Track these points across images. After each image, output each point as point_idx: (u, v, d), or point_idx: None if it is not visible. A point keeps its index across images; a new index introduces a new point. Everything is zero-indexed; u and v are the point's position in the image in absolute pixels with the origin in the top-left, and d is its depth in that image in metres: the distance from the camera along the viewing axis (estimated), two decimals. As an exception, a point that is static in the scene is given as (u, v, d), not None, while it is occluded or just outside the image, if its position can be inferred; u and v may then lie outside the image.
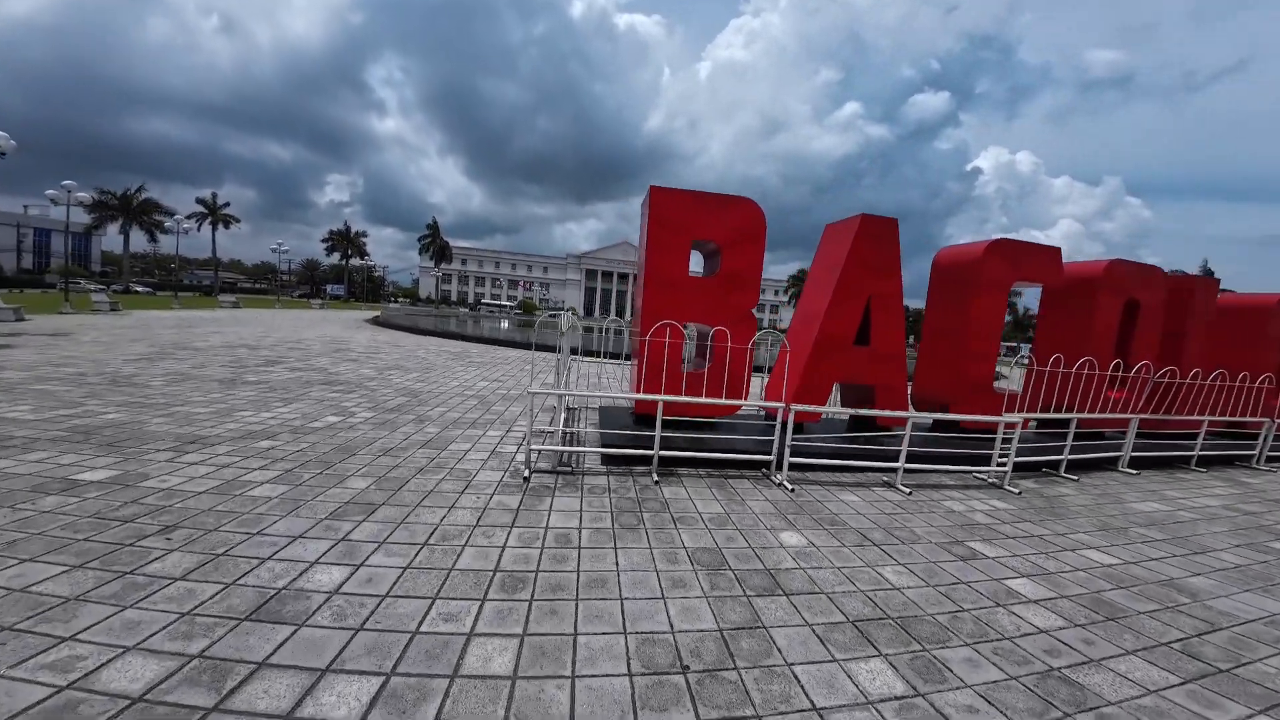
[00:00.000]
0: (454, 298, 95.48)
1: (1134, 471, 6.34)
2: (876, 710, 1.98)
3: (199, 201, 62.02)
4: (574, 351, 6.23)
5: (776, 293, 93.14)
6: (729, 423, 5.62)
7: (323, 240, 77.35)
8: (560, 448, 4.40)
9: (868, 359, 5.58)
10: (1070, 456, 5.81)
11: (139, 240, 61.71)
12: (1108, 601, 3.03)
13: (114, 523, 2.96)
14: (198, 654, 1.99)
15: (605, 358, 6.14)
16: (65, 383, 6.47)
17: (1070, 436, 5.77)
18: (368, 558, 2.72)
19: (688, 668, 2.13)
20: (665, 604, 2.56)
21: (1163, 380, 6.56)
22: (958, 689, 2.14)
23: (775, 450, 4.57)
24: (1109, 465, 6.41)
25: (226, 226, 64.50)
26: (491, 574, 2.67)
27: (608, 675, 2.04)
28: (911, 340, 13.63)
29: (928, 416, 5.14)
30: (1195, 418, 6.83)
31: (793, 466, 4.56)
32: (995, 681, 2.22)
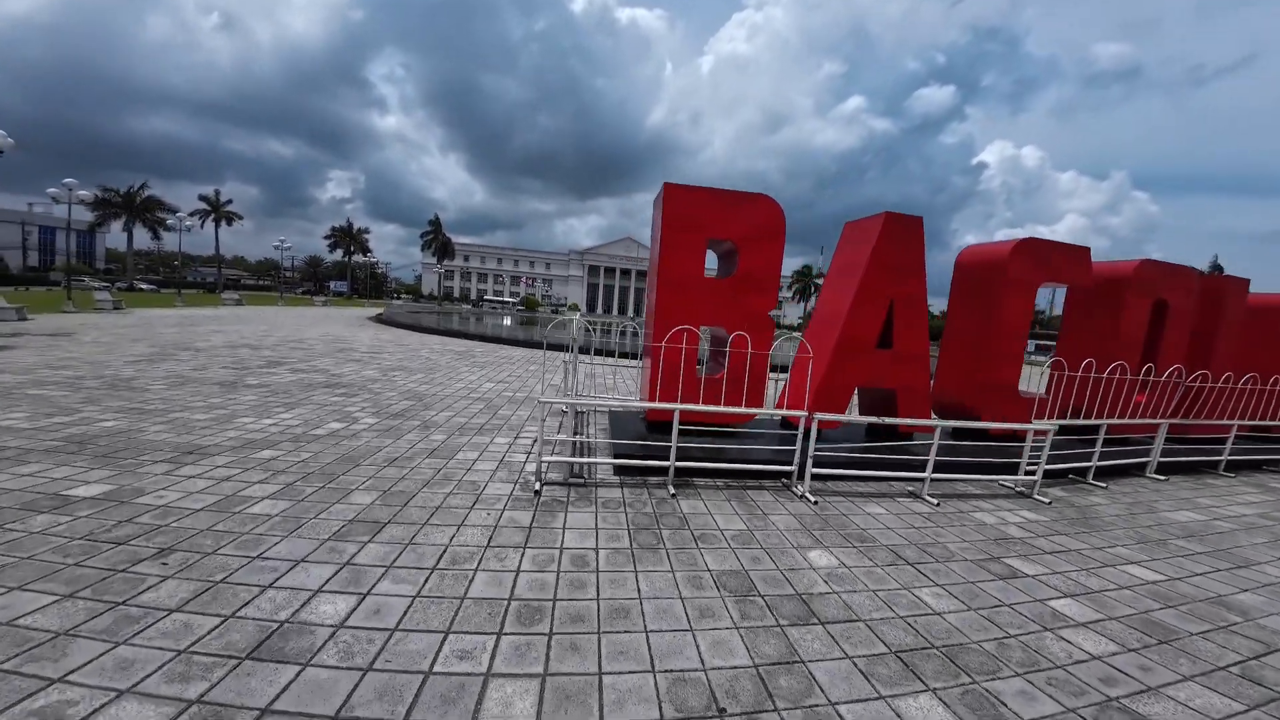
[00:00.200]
0: (456, 294, 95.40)
1: (1162, 477, 6.14)
2: (936, 765, 1.80)
3: (202, 199, 61.97)
4: (584, 351, 6.05)
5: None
6: (744, 430, 5.42)
7: (325, 237, 77.31)
8: (572, 459, 4.21)
9: (890, 362, 5.37)
10: (1099, 463, 5.62)
11: (143, 238, 61.72)
12: (1158, 622, 2.90)
13: (107, 545, 2.79)
14: (196, 699, 1.83)
15: (615, 358, 5.93)
16: (63, 387, 6.32)
17: (1100, 443, 5.58)
18: (374, 585, 2.55)
19: (724, 710, 1.96)
20: (694, 637, 2.39)
21: (1194, 384, 6.33)
22: (1017, 729, 1.98)
23: (797, 460, 4.38)
24: (1136, 471, 6.21)
25: (229, 223, 64.45)
26: (506, 603, 2.50)
27: (639, 724, 1.86)
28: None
29: (959, 424, 4.93)
30: (1226, 422, 6.61)
31: (814, 476, 4.38)
32: (1053, 716, 2.09)
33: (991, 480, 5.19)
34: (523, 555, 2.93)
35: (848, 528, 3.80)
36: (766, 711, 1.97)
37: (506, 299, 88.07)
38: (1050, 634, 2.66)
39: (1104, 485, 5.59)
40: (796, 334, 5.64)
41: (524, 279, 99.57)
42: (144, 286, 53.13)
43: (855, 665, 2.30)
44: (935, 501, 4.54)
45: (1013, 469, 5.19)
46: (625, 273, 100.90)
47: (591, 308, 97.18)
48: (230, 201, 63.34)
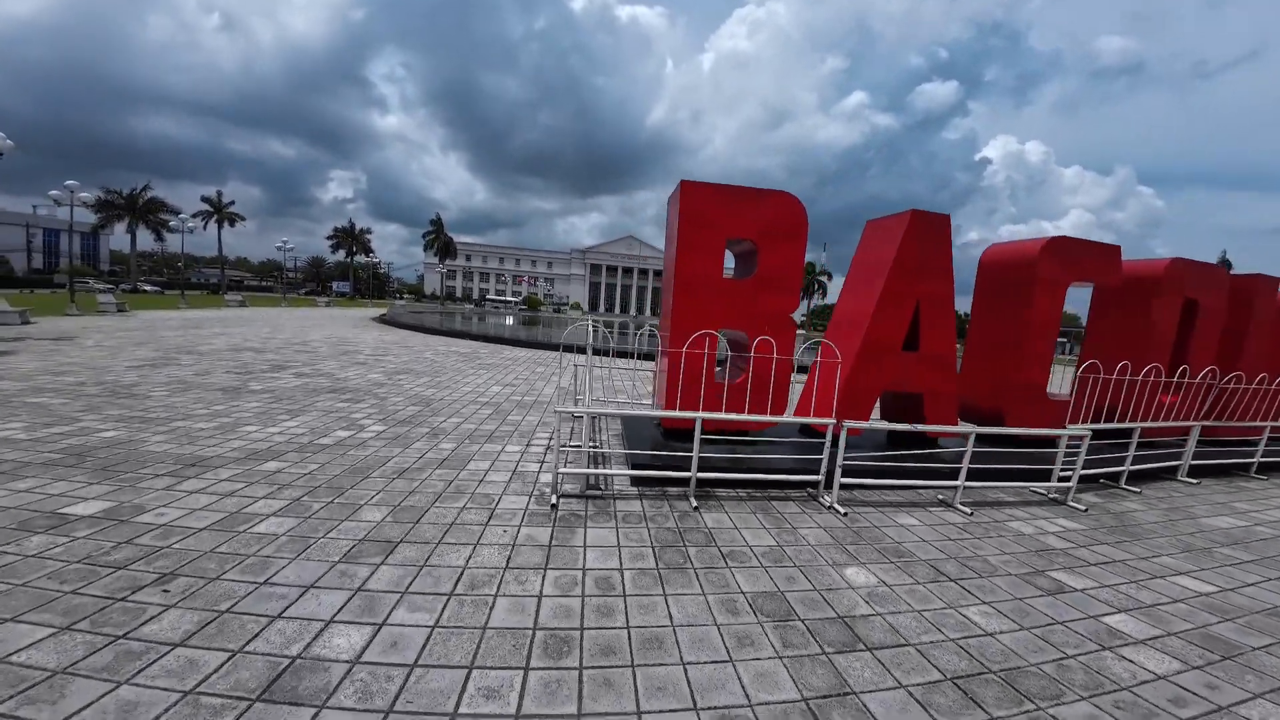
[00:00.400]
0: (458, 294, 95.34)
1: (1194, 481, 5.95)
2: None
3: (204, 200, 62.01)
4: (600, 353, 5.87)
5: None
6: (762, 437, 5.24)
7: (328, 237, 77.30)
8: (588, 470, 4.04)
9: (917, 365, 5.18)
10: (1132, 467, 5.43)
11: (146, 239, 61.81)
12: (1217, 637, 2.79)
13: (106, 570, 2.63)
14: (200, 749, 1.66)
15: (618, 359, 5.74)
16: (63, 394, 6.18)
17: (1133, 446, 5.39)
18: (390, 614, 2.38)
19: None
20: (735, 669, 2.21)
21: (1228, 385, 6.12)
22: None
23: (824, 469, 4.20)
24: (1166, 475, 6.02)
25: (232, 224, 64.49)
26: (531, 633, 2.33)
27: (686, 780, 1.69)
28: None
29: (995, 430, 4.73)
30: (1260, 424, 6.41)
31: (842, 486, 4.20)
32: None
33: (1021, 487, 5.01)
34: (544, 578, 2.76)
35: (882, 541, 3.63)
36: (821, 757, 1.80)
37: (509, 298, 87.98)
38: (1110, 653, 2.56)
39: (1138, 490, 5.40)
40: (816, 335, 5.46)
41: (526, 278, 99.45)
42: (147, 288, 53.20)
43: (911, 695, 2.15)
44: (969, 511, 4.35)
45: (1043, 475, 5.01)
46: (627, 271, 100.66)
47: (594, 306, 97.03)
48: (233, 202, 63.37)
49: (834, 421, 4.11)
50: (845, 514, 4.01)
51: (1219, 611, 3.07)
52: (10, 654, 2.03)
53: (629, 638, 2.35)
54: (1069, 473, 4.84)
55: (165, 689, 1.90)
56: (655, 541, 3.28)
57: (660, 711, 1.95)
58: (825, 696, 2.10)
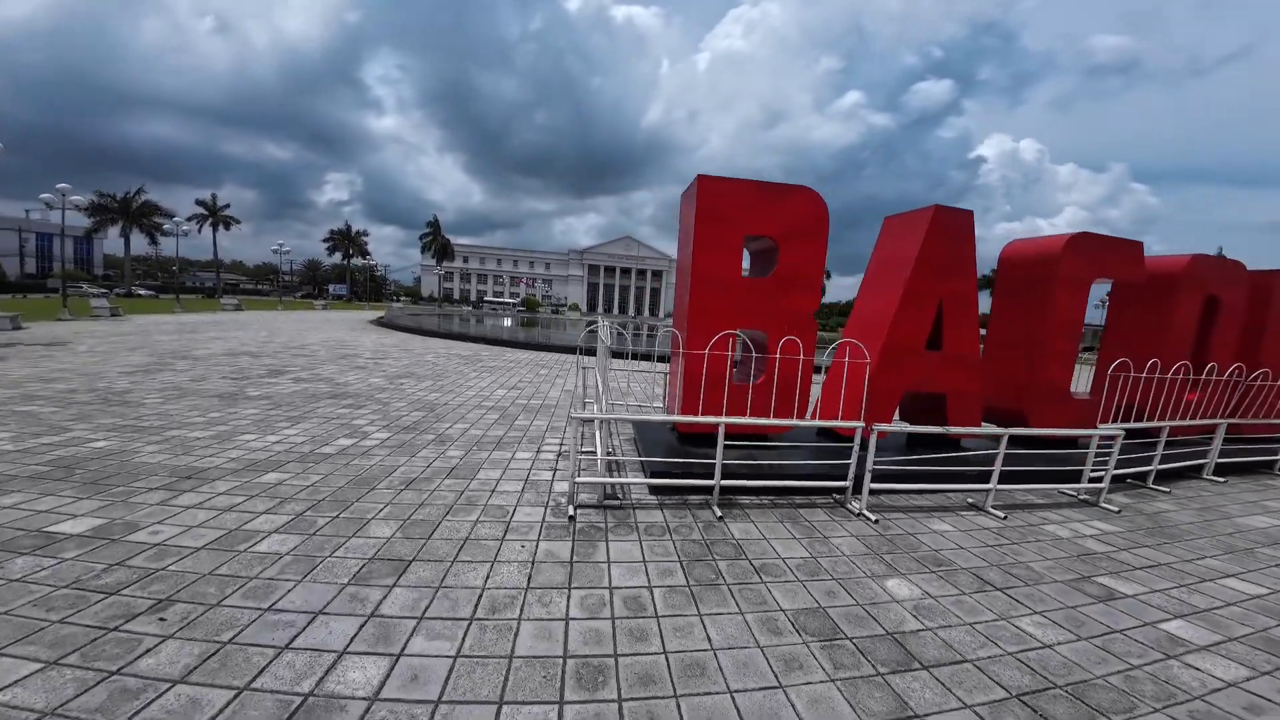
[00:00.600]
0: (456, 296, 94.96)
1: (1221, 479, 5.82)
2: None
3: (199, 203, 61.53)
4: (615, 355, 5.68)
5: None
6: (780, 441, 5.07)
7: (324, 240, 76.85)
8: (605, 479, 3.85)
9: (940, 364, 5.01)
10: (1160, 467, 5.28)
11: (140, 243, 61.31)
12: None
13: (97, 595, 2.43)
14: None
15: (628, 361, 5.56)
16: (53, 402, 5.95)
17: (1161, 445, 5.24)
18: (407, 643, 2.19)
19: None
20: (787, 695, 2.04)
21: (1255, 383, 5.98)
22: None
23: (852, 474, 4.02)
24: (1192, 474, 5.88)
25: (227, 228, 64.02)
26: (561, 662, 2.14)
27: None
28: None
29: (1029, 432, 4.58)
30: (1283, 421, 6.28)
31: (871, 491, 4.02)
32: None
33: (1050, 489, 4.85)
34: (569, 599, 2.57)
35: (918, 549, 3.46)
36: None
37: (507, 300, 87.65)
38: (1175, 661, 2.49)
39: (1167, 490, 5.26)
40: (825, 334, 5.29)
41: (524, 280, 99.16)
42: (142, 292, 52.71)
43: (979, 716, 2.01)
44: (1002, 515, 4.19)
45: (1068, 475, 4.86)
46: (625, 272, 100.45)
47: (592, 307, 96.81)
48: (228, 206, 62.90)
49: (863, 425, 3.93)
50: (876, 521, 3.84)
51: (1276, 614, 3.00)
52: (-9, 694, 1.84)
53: (667, 664, 2.17)
54: (1098, 473, 4.69)
55: (162, 734, 1.71)
56: (682, 555, 3.10)
57: (710, 751, 1.77)
58: (887, 725, 1.93)
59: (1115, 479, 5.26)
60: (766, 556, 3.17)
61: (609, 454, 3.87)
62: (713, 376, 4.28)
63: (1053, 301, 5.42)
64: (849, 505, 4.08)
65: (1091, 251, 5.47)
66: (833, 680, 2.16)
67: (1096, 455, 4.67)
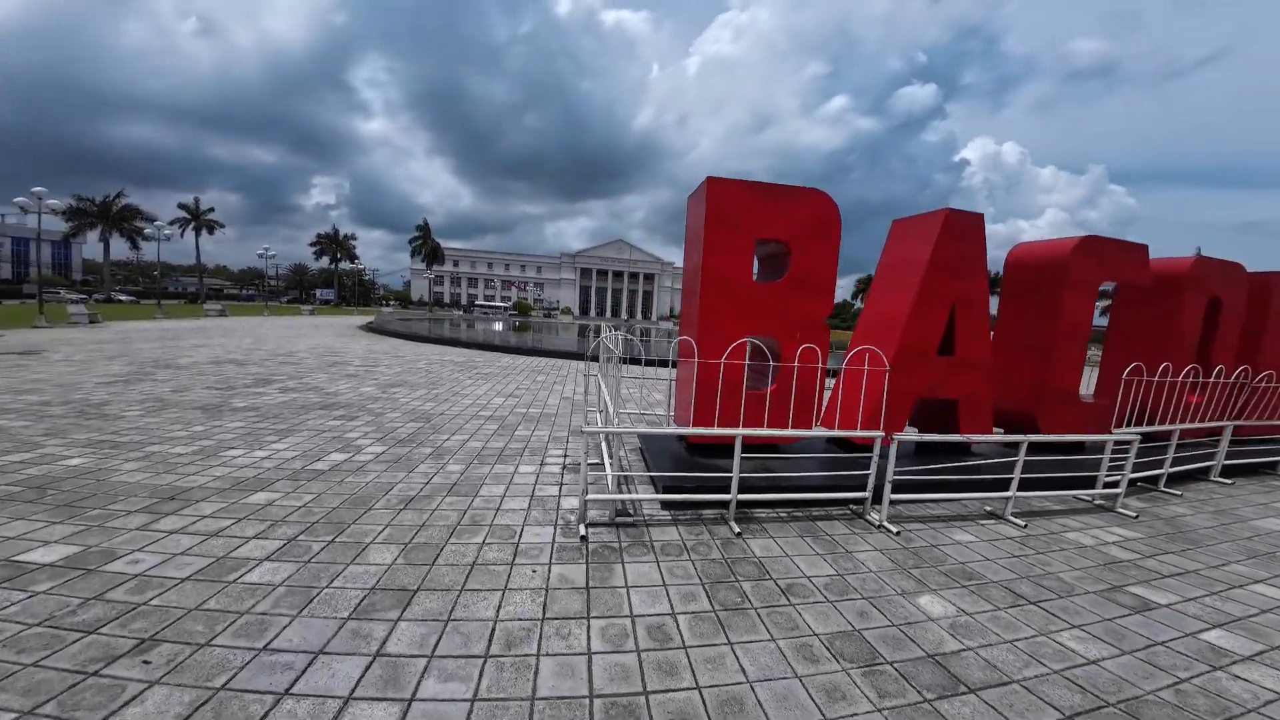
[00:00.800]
0: (446, 299, 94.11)
1: (1228, 481, 5.81)
2: None
3: (181, 206, 60.36)
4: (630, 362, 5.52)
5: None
6: (792, 450, 4.94)
7: (311, 244, 75.81)
8: (617, 495, 3.67)
9: (953, 370, 4.92)
10: (1171, 470, 5.24)
11: (121, 248, 59.90)
12: None
13: (73, 634, 2.21)
14: None
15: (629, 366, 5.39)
16: (25, 415, 5.64)
17: (1172, 448, 5.20)
18: (418, 686, 1.99)
19: None
20: (831, 737, 1.88)
21: (1261, 385, 5.98)
22: None
23: (871, 484, 3.90)
24: (1199, 476, 5.86)
25: (210, 232, 62.87)
26: (588, 703, 1.96)
27: None
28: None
29: (1047, 438, 4.49)
30: (1287, 423, 6.30)
31: (891, 501, 3.90)
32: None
33: (1065, 494, 4.76)
34: (589, 630, 2.39)
35: (944, 562, 3.34)
36: None
37: (498, 303, 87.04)
38: (1222, 673, 2.44)
39: (1179, 493, 5.22)
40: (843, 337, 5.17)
41: (516, 283, 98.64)
42: (122, 298, 51.42)
43: None
44: (1023, 523, 4.10)
45: (1080, 480, 4.78)
46: (618, 275, 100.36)
47: (584, 310, 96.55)
48: (211, 209, 61.79)
49: (882, 434, 3.81)
50: (898, 533, 3.71)
51: (1312, 622, 2.95)
52: (-55, 758, 1.62)
53: (703, 701, 2.01)
54: (1113, 477, 4.62)
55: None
56: (703, 577, 2.93)
57: (757, 807, 1.61)
58: (941, 765, 1.79)
59: (1128, 483, 5.22)
60: (791, 575, 3.02)
61: (620, 469, 3.69)
62: (726, 385, 4.13)
63: (1062, 305, 5.36)
64: (868, 517, 3.95)
65: (1099, 254, 5.43)
66: (879, 709, 2.02)
67: (1112, 459, 4.60)
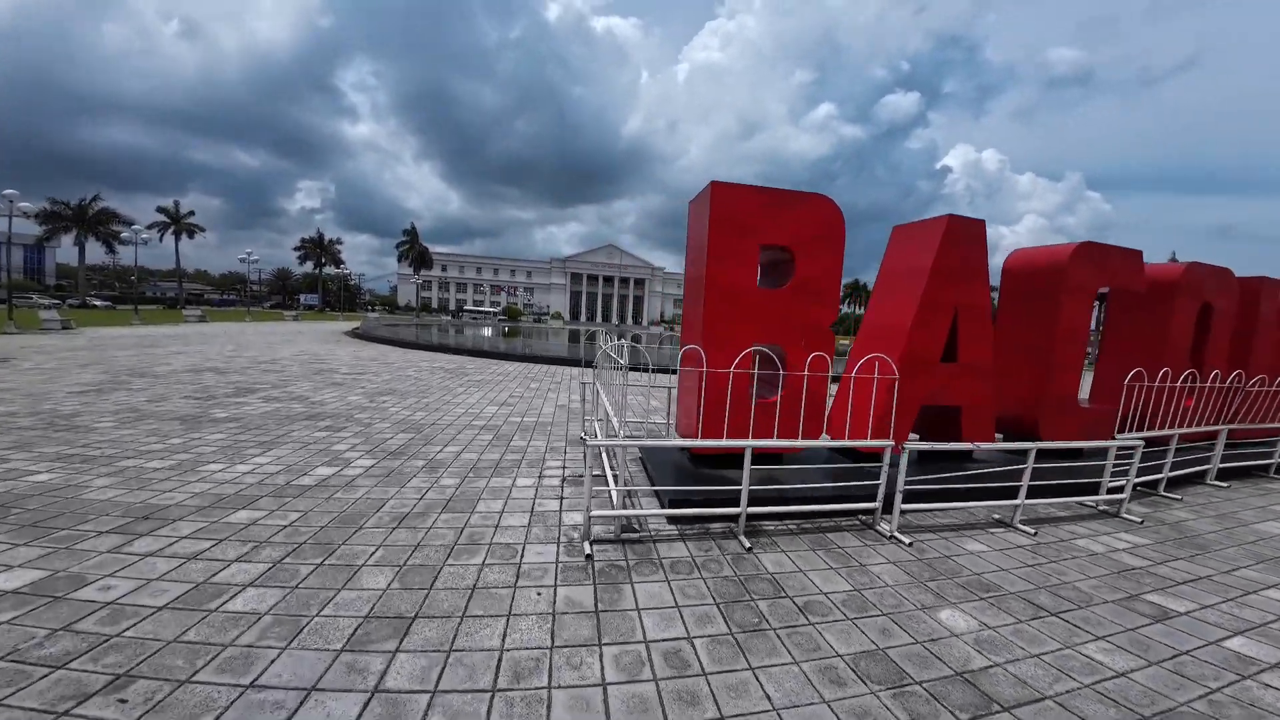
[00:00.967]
0: (435, 305, 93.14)
1: (1224, 484, 5.85)
2: None
3: (160, 210, 58.99)
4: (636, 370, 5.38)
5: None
6: (797, 460, 4.84)
7: (295, 248, 74.60)
8: (622, 511, 3.53)
9: (956, 377, 4.88)
10: (1171, 474, 5.26)
11: (97, 252, 58.33)
12: None
13: (40, 670, 2.02)
14: None
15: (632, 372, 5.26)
16: (-11, 430, 5.32)
17: (1171, 453, 5.21)
18: (419, 728, 1.84)
19: None
20: (867, 772, 1.76)
21: (1255, 388, 6.05)
22: None
23: (882, 494, 3.81)
24: (1195, 479, 5.90)
25: (191, 236, 61.57)
26: (604, 743, 1.82)
27: None
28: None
29: (1058, 445, 4.45)
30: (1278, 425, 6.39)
31: (901, 511, 3.82)
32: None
33: (1070, 501, 4.74)
34: (601, 658, 2.25)
35: (960, 574, 3.26)
36: None
37: (487, 309, 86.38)
38: (1252, 682, 2.42)
39: (1178, 497, 5.24)
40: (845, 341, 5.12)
41: (505, 288, 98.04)
42: (97, 303, 49.98)
43: None
44: (1032, 531, 4.05)
45: (1082, 486, 4.76)
46: (608, 280, 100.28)
47: (575, 315, 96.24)
48: (192, 213, 60.55)
49: (892, 443, 3.73)
50: (910, 544, 3.63)
51: (1330, 626, 2.95)
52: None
53: (726, 738, 1.88)
54: (1116, 483, 4.61)
55: None
56: (717, 596, 2.81)
57: None
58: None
59: (1123, 487, 5.22)
60: (808, 592, 2.90)
61: (626, 484, 3.55)
62: (736, 395, 4.02)
63: (1060, 310, 5.37)
64: (878, 527, 3.86)
65: (1097, 260, 5.46)
66: (915, 739, 1.91)
67: (1116, 465, 4.59)
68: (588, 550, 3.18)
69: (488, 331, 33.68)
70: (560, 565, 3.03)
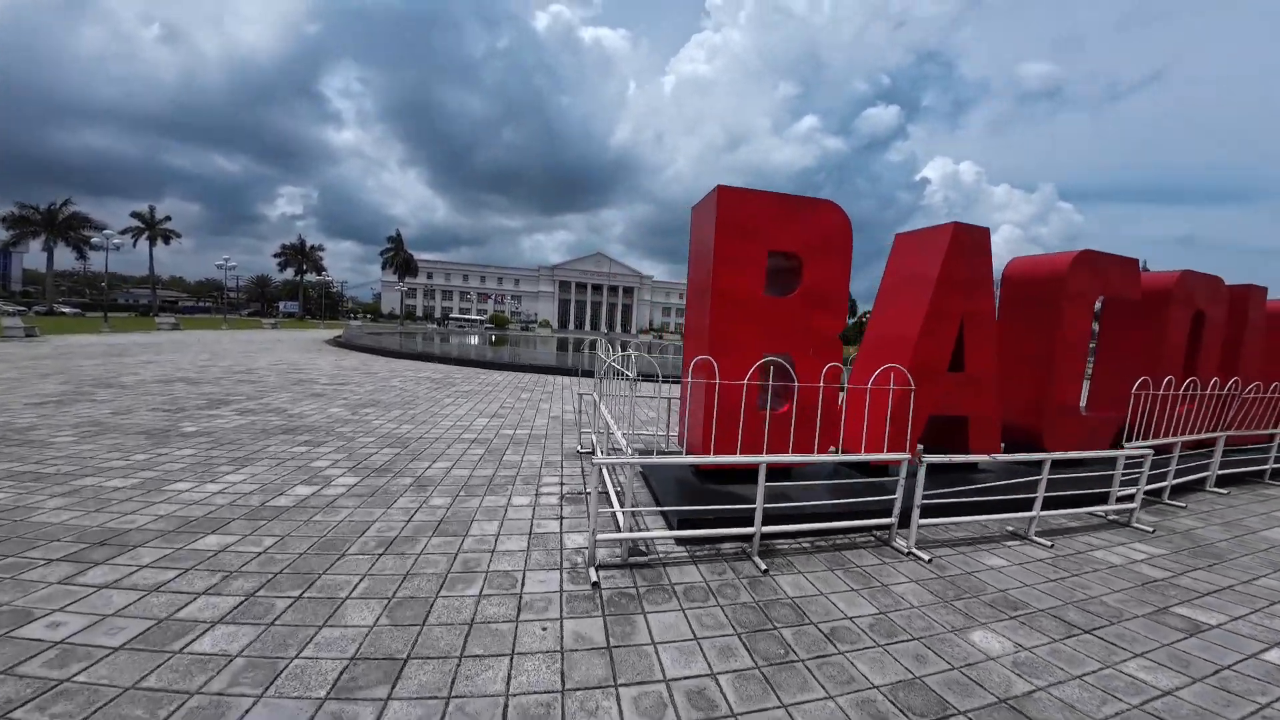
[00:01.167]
0: (420, 313, 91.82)
1: (1224, 491, 5.87)
2: None
3: (134, 215, 57.32)
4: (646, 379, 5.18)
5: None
6: (804, 475, 4.68)
7: (275, 255, 73.00)
8: (630, 534, 3.31)
9: (963, 386, 4.79)
10: (1174, 482, 5.22)
11: (67, 258, 56.33)
12: None
13: (-46, 739, 1.72)
14: None
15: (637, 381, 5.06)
16: (-68, 447, 4.89)
17: (1174, 460, 5.18)
18: (412, 798, 1.59)
19: None
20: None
21: (1251, 395, 6.09)
22: None
23: (898, 509, 3.66)
24: (1194, 486, 5.89)
25: (166, 242, 59.91)
26: (628, 809, 1.59)
27: None
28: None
29: (1067, 456, 4.37)
30: (1273, 431, 6.46)
31: (904, 523, 3.67)
32: None
33: (1081, 511, 4.64)
34: (619, 701, 2.02)
35: (984, 591, 3.12)
36: None
37: (474, 317, 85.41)
38: None
39: (1183, 505, 5.22)
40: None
41: (493, 295, 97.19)
42: (66, 310, 48.07)
43: None
44: (1048, 543, 3.95)
45: (1089, 496, 4.69)
46: (596, 288, 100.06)
47: (563, 324, 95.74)
48: (168, 219, 58.95)
49: (909, 456, 3.58)
50: (929, 560, 3.47)
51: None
52: None
53: (764, 797, 1.66)
54: (1125, 492, 4.54)
55: None
56: (737, 625, 2.60)
57: None
58: None
59: (1132, 496, 5.17)
60: (832, 617, 2.72)
61: (633, 504, 3.33)
62: (747, 409, 3.85)
63: (1062, 319, 5.35)
64: (894, 543, 3.70)
65: (1095, 268, 5.46)
66: (969, 786, 1.72)
67: (1125, 474, 4.52)
68: (594, 577, 2.95)
69: (474, 339, 33.15)
70: (565, 595, 2.79)
